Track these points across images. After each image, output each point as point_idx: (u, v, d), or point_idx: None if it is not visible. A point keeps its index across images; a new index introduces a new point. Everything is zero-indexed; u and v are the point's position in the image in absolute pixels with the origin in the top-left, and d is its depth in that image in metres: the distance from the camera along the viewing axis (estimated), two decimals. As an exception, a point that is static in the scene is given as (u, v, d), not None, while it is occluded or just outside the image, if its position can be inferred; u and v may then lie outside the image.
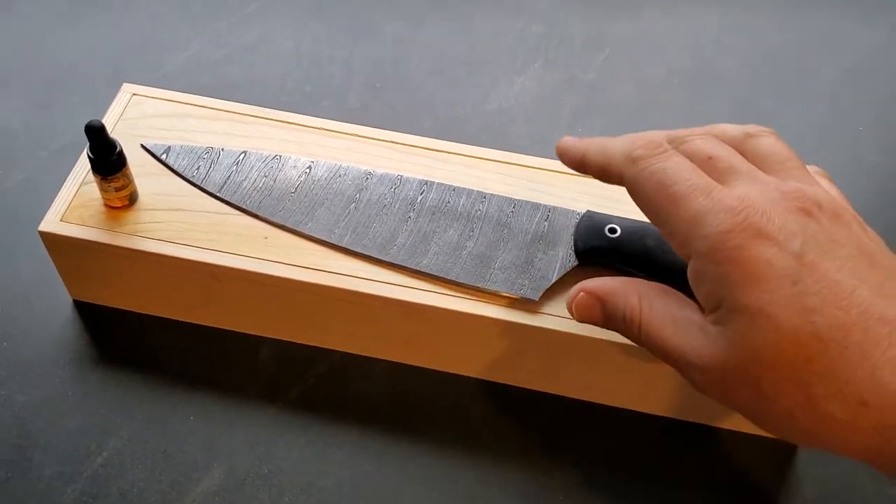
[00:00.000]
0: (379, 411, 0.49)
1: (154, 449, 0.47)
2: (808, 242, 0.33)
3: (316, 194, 0.49)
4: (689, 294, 0.37)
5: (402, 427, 0.49)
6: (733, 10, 0.72)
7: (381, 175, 0.50)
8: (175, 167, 0.49)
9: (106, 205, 0.47)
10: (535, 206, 0.48)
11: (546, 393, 0.50)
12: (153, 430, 0.47)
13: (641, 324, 0.37)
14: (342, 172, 0.50)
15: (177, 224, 0.47)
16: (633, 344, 0.43)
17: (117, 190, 0.46)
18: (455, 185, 0.49)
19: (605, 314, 0.39)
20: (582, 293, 0.40)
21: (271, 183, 0.49)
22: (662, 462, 0.48)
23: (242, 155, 0.50)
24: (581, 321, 0.40)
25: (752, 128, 0.39)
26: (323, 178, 0.49)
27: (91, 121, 0.44)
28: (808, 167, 0.38)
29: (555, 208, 0.48)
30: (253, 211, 0.48)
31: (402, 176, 0.50)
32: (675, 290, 0.38)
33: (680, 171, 0.36)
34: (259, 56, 0.66)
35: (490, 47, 0.68)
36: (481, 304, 0.46)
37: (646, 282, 0.39)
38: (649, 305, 0.37)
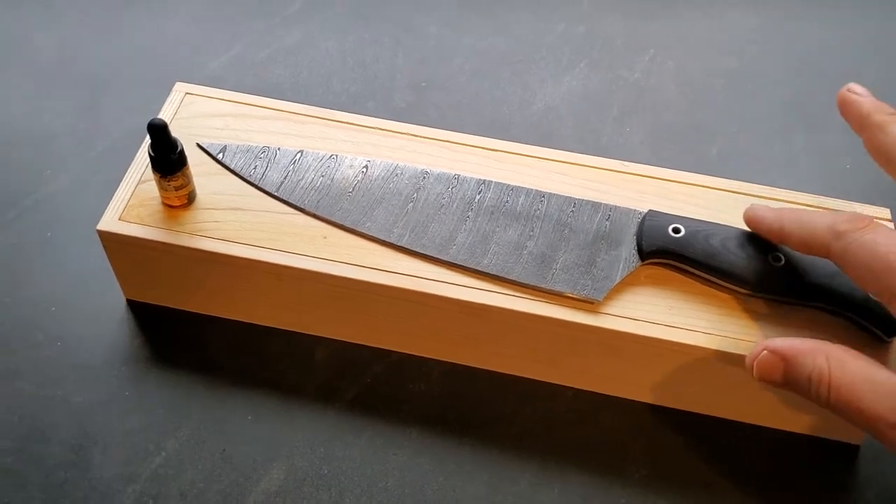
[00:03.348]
0: (437, 412, 0.49)
1: (212, 449, 0.47)
2: None
3: (373, 194, 0.48)
4: None
5: (460, 428, 0.48)
6: (772, 10, 0.71)
7: (438, 174, 0.49)
8: (232, 166, 0.49)
9: (164, 204, 0.47)
10: (596, 206, 0.48)
11: (608, 395, 0.49)
12: (211, 430, 0.47)
13: (831, 385, 0.37)
14: (399, 172, 0.49)
15: (235, 223, 0.47)
16: (703, 346, 0.43)
17: (177, 189, 0.46)
18: (513, 184, 0.49)
19: (788, 375, 0.39)
20: (766, 352, 0.39)
21: (328, 182, 0.49)
22: (707, 463, 0.48)
23: (299, 154, 0.50)
24: (759, 380, 0.40)
25: None
26: (380, 177, 0.49)
27: (154, 119, 0.44)
28: None
29: (616, 207, 0.48)
30: (311, 210, 0.48)
31: (459, 175, 0.49)
32: (859, 353, 0.38)
33: (892, 239, 0.37)
34: (302, 57, 0.66)
35: (533, 48, 0.68)
36: (543, 304, 0.45)
37: (832, 344, 0.39)
38: (840, 367, 0.37)
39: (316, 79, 0.65)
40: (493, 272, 0.46)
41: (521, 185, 0.49)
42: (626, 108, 0.64)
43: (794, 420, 0.48)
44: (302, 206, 0.48)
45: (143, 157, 0.49)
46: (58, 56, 0.65)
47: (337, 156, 0.50)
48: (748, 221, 0.45)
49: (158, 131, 0.44)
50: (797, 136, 0.63)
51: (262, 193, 0.49)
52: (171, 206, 0.47)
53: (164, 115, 0.51)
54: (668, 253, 0.46)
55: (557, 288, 0.45)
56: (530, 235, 0.47)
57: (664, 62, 0.67)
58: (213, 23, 0.68)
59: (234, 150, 0.50)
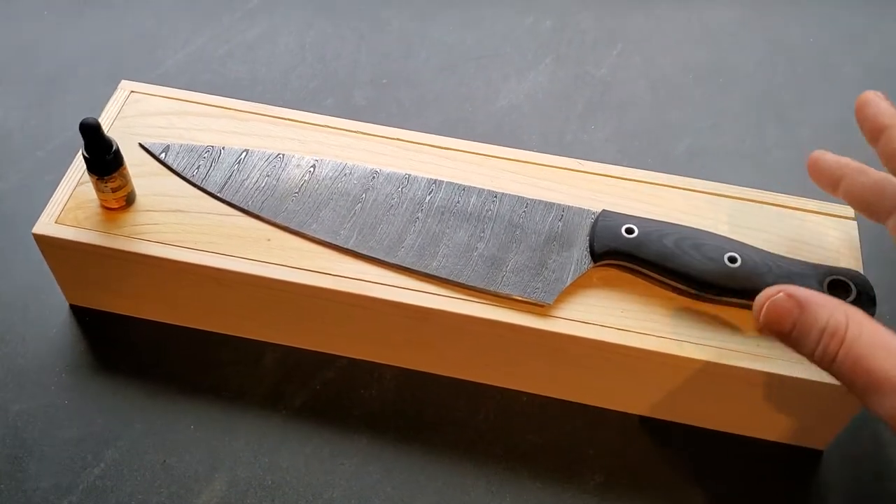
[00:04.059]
0: (388, 419, 0.47)
1: (153, 460, 0.45)
2: None
3: (320, 194, 0.47)
4: None
5: (411, 435, 0.47)
6: (750, 3, 0.70)
7: (388, 174, 0.48)
8: (174, 167, 0.48)
9: (102, 206, 0.46)
10: (549, 206, 0.47)
11: (561, 399, 0.48)
12: (152, 439, 0.46)
13: (846, 340, 0.35)
14: (347, 171, 0.48)
15: (176, 226, 0.46)
16: (656, 350, 0.41)
17: (114, 191, 0.45)
18: (465, 184, 0.48)
19: (800, 324, 0.37)
20: (782, 293, 0.37)
21: (274, 182, 0.47)
22: (665, 468, 0.46)
23: (244, 154, 0.48)
24: (765, 324, 0.38)
25: None
26: (328, 177, 0.48)
27: (86, 119, 0.42)
28: None
29: (569, 207, 0.46)
30: (255, 212, 0.46)
31: (409, 175, 0.48)
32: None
33: None
34: (262, 52, 0.65)
35: (500, 42, 0.66)
36: (493, 308, 0.44)
37: (849, 304, 0.37)
38: (858, 325, 0.35)
39: (274, 75, 0.63)
40: (442, 275, 0.44)
41: (472, 185, 0.48)
42: (592, 105, 0.62)
43: (756, 425, 0.46)
44: (245, 208, 0.46)
45: (81, 158, 0.47)
46: (13, 54, 0.63)
47: (284, 155, 0.48)
48: (812, 171, 0.44)
49: (91, 131, 0.42)
50: (770, 131, 0.62)
51: (205, 195, 0.47)
52: (109, 209, 0.46)
53: (108, 114, 0.50)
54: (620, 254, 0.44)
55: (507, 291, 0.44)
56: (481, 237, 0.46)
57: (631, 56, 0.66)
58: (174, 18, 0.67)
59: (177, 149, 0.48)
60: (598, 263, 0.45)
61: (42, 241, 0.46)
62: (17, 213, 0.54)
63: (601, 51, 0.66)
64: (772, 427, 0.46)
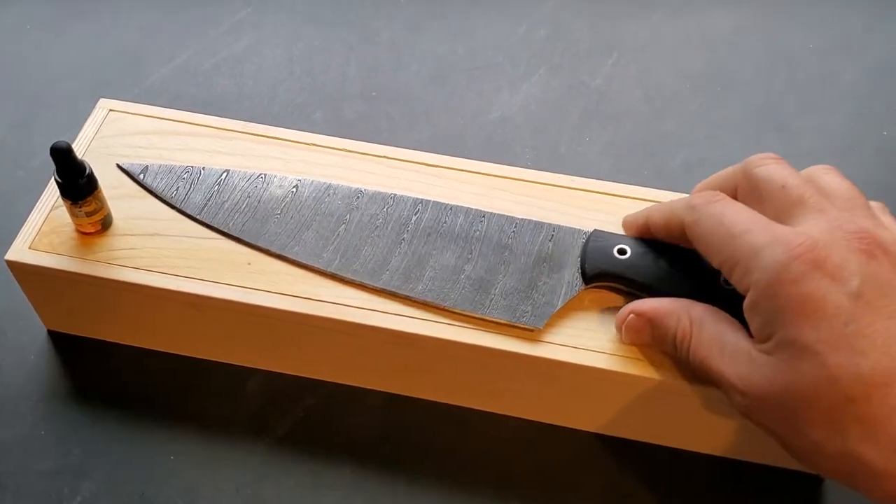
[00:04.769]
0: (373, 447, 0.46)
1: (131, 492, 0.44)
2: (867, 283, 0.33)
3: (303, 215, 0.46)
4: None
5: (398, 464, 0.45)
6: (749, 9, 0.68)
7: (373, 193, 0.46)
8: (153, 188, 0.46)
9: (77, 231, 0.44)
10: (539, 226, 0.45)
11: (551, 424, 0.46)
12: (131, 471, 0.44)
13: (691, 346, 0.38)
14: (331, 192, 0.46)
15: (153, 250, 0.44)
16: (641, 376, 0.40)
17: (88, 215, 0.43)
18: (452, 203, 0.46)
19: (655, 336, 0.40)
20: (632, 315, 0.40)
21: (255, 204, 0.46)
22: (660, 494, 0.45)
23: (225, 174, 0.47)
24: (629, 343, 0.41)
25: (812, 169, 0.39)
26: (310, 197, 0.46)
27: (56, 142, 0.41)
28: (871, 203, 0.38)
29: (559, 227, 0.45)
30: (235, 234, 0.45)
31: (395, 194, 0.46)
32: (725, 314, 0.38)
33: (739, 212, 0.37)
34: (249, 66, 0.63)
35: (492, 52, 0.65)
36: (479, 333, 0.42)
37: (696, 303, 0.39)
38: (699, 328, 0.38)
39: (261, 89, 0.62)
40: (428, 299, 0.43)
41: (460, 205, 0.46)
42: (587, 116, 0.61)
43: (758, 450, 0.45)
44: (226, 231, 0.45)
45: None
46: (-6, 71, 0.62)
47: (265, 175, 0.47)
48: (625, 229, 0.45)
49: (62, 155, 0.41)
50: (769, 141, 0.60)
51: (184, 217, 0.46)
52: (84, 234, 0.44)
53: (85, 134, 0.49)
54: (612, 276, 0.43)
55: (495, 315, 0.42)
56: (468, 258, 0.44)
57: (627, 66, 0.64)
58: (159, 32, 0.65)
59: (156, 170, 0.47)
60: (589, 285, 0.43)
61: (15, 267, 0.44)
62: (-4, 235, 0.53)
63: (596, 60, 0.64)
64: (773, 452, 0.45)
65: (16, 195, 0.55)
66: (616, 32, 0.66)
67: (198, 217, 0.45)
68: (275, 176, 0.47)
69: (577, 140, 0.59)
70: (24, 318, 0.49)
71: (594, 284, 0.43)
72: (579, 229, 0.45)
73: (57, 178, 0.42)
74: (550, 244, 0.44)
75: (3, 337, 0.49)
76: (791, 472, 0.45)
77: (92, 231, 0.44)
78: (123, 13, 0.66)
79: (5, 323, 0.49)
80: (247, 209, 0.46)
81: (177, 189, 0.46)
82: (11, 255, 0.44)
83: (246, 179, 0.47)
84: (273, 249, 0.44)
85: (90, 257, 0.44)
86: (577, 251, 0.44)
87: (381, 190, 0.47)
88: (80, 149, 0.48)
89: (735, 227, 0.36)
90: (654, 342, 0.40)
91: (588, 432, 0.46)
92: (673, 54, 0.65)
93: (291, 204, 0.46)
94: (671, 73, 0.64)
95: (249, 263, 0.44)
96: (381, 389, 0.47)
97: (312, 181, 0.47)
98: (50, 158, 0.41)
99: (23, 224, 0.45)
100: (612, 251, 0.43)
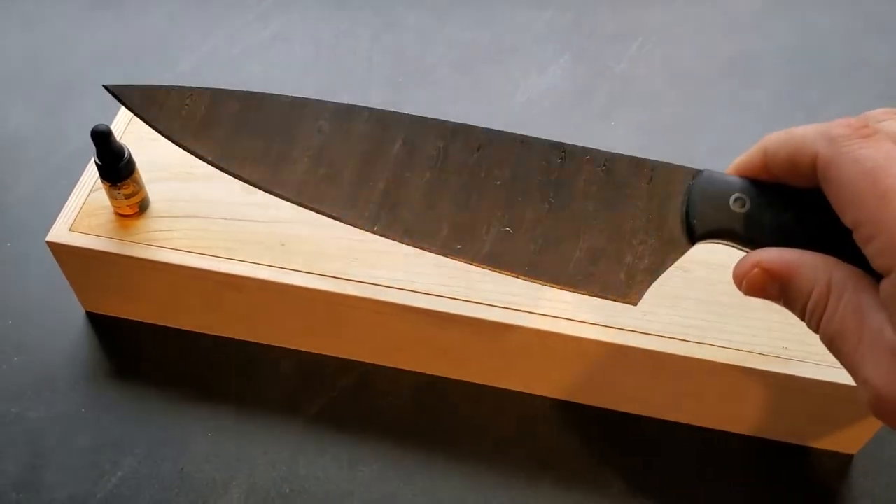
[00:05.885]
0: (407, 426, 0.46)
1: (171, 468, 0.45)
2: None
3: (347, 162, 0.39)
4: None
5: (432, 443, 0.46)
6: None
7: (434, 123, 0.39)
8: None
9: (116, 213, 0.45)
10: (638, 162, 0.35)
11: (589, 405, 0.47)
12: (170, 448, 0.45)
13: (823, 318, 0.30)
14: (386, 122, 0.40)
15: (190, 232, 0.45)
16: (677, 354, 0.40)
17: (127, 197, 0.44)
18: (524, 134, 0.37)
19: (784, 298, 0.31)
20: (757, 269, 0.31)
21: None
22: (691, 474, 0.45)
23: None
24: (751, 296, 0.32)
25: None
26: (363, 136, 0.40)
27: (97, 125, 0.41)
28: None
29: (659, 164, 0.35)
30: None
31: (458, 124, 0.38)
32: (874, 283, 0.29)
33: (894, 162, 0.28)
34: (276, 52, 0.64)
35: (517, 38, 0.65)
36: (535, 317, 0.42)
37: (842, 263, 0.30)
38: (837, 298, 0.29)
39: (289, 75, 0.62)
40: (492, 264, 0.35)
41: (534, 136, 0.37)
42: (612, 101, 0.61)
43: (788, 429, 0.45)
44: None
45: (94, 165, 0.47)
46: (24, 61, 0.63)
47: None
48: (736, 171, 0.34)
49: (103, 138, 0.42)
50: (798, 125, 0.60)
51: (218, 200, 0.46)
52: (122, 216, 0.45)
53: (120, 120, 0.49)
54: (728, 234, 0.33)
55: (578, 287, 0.34)
56: (548, 210, 0.35)
57: (652, 50, 0.64)
58: (186, 20, 0.66)
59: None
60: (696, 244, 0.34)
61: (56, 249, 0.45)
62: (33, 220, 0.53)
63: (621, 44, 0.65)
64: (802, 431, 0.45)
65: (51, 181, 0.56)
66: (641, 16, 0.66)
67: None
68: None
69: (602, 125, 0.60)
70: (64, 300, 0.50)
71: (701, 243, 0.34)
72: (683, 167, 0.34)
73: (97, 160, 0.43)
74: (648, 186, 0.35)
75: (43, 318, 0.50)
76: (826, 452, 0.45)
77: (130, 213, 0.45)
78: (149, 3, 0.67)
79: (44, 305, 0.50)
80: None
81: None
82: (52, 237, 0.45)
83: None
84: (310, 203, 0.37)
85: (129, 238, 0.45)
86: (680, 199, 0.34)
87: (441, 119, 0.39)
88: (116, 133, 0.48)
89: (885, 181, 0.27)
90: (780, 300, 0.31)
91: (621, 412, 0.47)
92: (698, 38, 0.65)
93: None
94: (697, 57, 0.64)
95: (283, 245, 0.45)
96: (417, 370, 0.48)
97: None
98: (83, 145, 0.42)
99: (61, 209, 0.46)
100: (729, 202, 0.33)
